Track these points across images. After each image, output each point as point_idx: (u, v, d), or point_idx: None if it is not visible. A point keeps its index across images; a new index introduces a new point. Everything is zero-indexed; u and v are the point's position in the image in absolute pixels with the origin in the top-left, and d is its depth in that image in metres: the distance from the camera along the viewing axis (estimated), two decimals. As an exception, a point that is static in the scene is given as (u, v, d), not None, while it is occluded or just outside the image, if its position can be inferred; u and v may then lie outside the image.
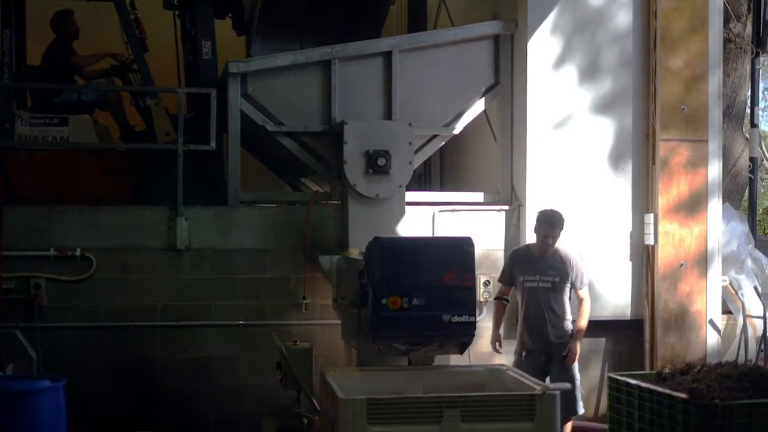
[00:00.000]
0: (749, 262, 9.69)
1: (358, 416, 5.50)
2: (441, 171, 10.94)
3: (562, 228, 7.68)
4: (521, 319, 7.76)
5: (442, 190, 10.47)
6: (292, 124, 8.38)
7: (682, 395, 5.92)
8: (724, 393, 5.77)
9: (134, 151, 8.91)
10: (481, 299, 8.47)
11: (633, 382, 6.44)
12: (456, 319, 6.40)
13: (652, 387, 6.23)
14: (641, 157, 8.83)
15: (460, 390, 5.95)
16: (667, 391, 6.07)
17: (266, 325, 8.21)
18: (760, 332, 9.30)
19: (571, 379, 7.45)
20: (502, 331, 7.93)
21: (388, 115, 8.42)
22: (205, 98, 8.39)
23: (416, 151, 8.29)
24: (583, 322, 7.75)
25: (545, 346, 7.63)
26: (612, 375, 6.74)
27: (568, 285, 7.69)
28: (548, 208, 7.79)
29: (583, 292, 7.80)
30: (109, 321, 8.03)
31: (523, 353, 7.71)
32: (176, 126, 8.36)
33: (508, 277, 7.88)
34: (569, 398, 7.28)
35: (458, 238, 6.66)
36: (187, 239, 8.12)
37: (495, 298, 8.06)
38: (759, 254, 9.89)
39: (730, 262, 9.41)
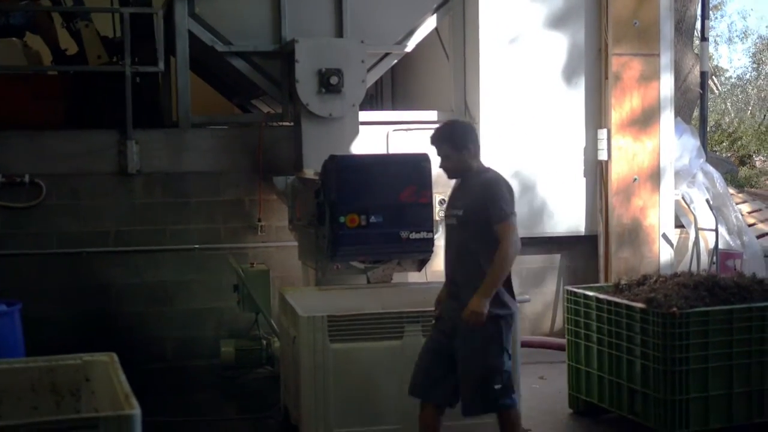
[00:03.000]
0: (701, 176, 9.77)
1: (319, 333, 5.51)
2: (393, 90, 10.87)
3: (452, 141, 5.31)
4: None
5: (394, 109, 10.40)
6: (241, 44, 8.21)
7: (640, 305, 5.96)
8: (681, 301, 5.82)
9: (66, 74, 8.71)
10: (437, 218, 8.43)
11: (591, 293, 6.48)
12: (414, 235, 6.43)
13: (609, 298, 6.28)
14: (594, 72, 8.83)
15: (419, 306, 5.95)
16: (625, 301, 6.11)
17: (222, 248, 8.17)
18: (712, 245, 9.41)
19: (482, 364, 5.10)
20: None
21: (339, 32, 8.28)
22: (141, 19, 8.20)
23: (368, 70, 8.18)
24: (495, 270, 5.06)
25: (452, 312, 5.21)
26: (569, 288, 6.76)
27: (481, 221, 5.16)
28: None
29: (502, 229, 5.11)
30: (61, 248, 7.91)
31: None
32: (108, 48, 8.19)
33: None
34: (482, 388, 5.11)
35: (415, 154, 6.64)
36: (138, 163, 7.99)
37: None
38: (710, 168, 9.98)
39: (682, 176, 9.49)
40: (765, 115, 30.22)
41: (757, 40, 34.22)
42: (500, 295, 5.16)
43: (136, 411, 3.58)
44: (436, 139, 5.38)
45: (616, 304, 6.19)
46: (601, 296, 6.38)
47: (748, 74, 33.92)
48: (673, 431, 5.79)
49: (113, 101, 8.18)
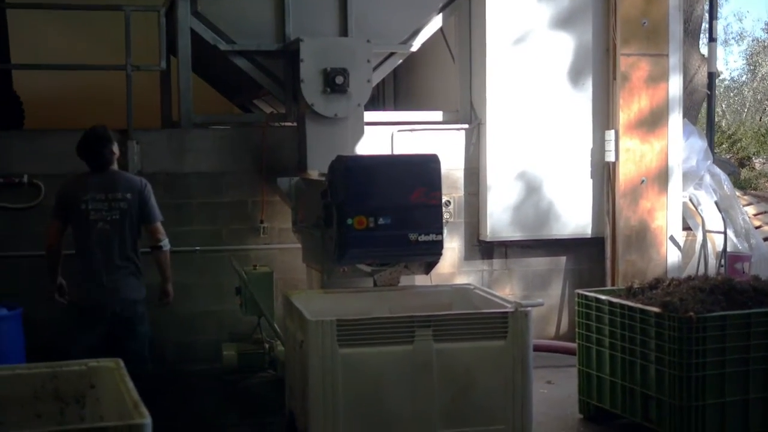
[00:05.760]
0: (708, 178, 9.66)
1: (327, 338, 5.36)
2: (395, 91, 10.74)
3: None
4: None
5: (396, 110, 10.28)
6: (244, 43, 8.06)
7: (656, 309, 5.84)
8: (697, 306, 5.70)
9: None
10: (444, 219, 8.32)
11: (603, 297, 6.35)
12: (423, 238, 6.28)
13: (623, 302, 6.15)
14: (602, 72, 8.70)
15: (427, 310, 5.84)
16: (639, 305, 6.00)
17: (224, 250, 8.04)
18: (719, 247, 9.30)
19: None
20: None
21: (343, 32, 8.14)
22: None
23: (373, 70, 8.05)
24: None
25: None
26: (580, 291, 6.64)
27: None
28: None
29: None
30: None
31: None
32: None
33: None
34: None
35: (424, 155, 6.51)
36: (139, 163, 7.85)
37: None
38: (717, 170, 9.87)
39: (689, 178, 9.37)
40: (761, 117, 30.17)
41: (752, 42, 34.20)
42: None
43: (147, 420, 3.44)
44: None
45: (630, 308, 6.07)
46: (615, 300, 6.26)
47: (744, 76, 33.88)
48: (688, 438, 5.70)
49: None
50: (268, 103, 10.08)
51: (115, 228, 6.28)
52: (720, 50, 36.45)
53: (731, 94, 32.05)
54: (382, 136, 8.40)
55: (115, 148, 6.43)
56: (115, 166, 6.43)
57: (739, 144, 21.93)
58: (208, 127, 8.32)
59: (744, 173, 19.96)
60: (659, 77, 8.62)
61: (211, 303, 8.08)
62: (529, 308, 5.66)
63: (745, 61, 34.48)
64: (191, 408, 7.17)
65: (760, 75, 32.02)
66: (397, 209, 6.23)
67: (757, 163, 22.36)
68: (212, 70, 9.51)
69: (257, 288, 7.38)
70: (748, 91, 31.99)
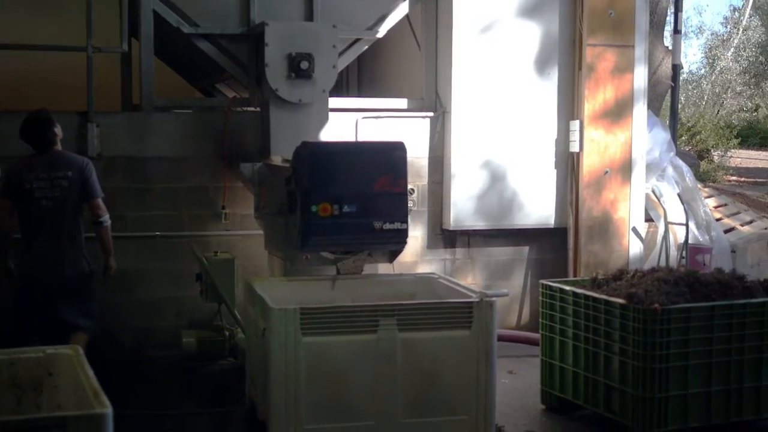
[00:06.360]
0: (670, 170, 9.68)
1: (291, 327, 5.30)
2: (359, 77, 10.66)
3: None
4: None
5: (360, 96, 10.20)
6: (208, 26, 7.93)
7: (620, 300, 5.83)
8: (662, 297, 5.69)
9: None
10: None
11: (567, 288, 6.33)
12: (388, 226, 6.24)
13: (588, 293, 6.13)
14: (567, 62, 8.67)
15: (390, 299, 5.79)
16: (604, 297, 5.98)
17: (184, 236, 7.94)
18: (681, 239, 9.33)
19: None
20: None
21: (309, 16, 8.04)
22: None
23: (339, 55, 7.97)
24: None
25: None
26: (545, 281, 6.61)
27: None
28: None
29: None
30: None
31: None
32: None
33: None
34: None
35: (390, 142, 6.46)
36: (98, 147, 7.72)
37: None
38: (679, 162, 9.90)
39: (651, 169, 9.38)
40: (719, 110, 30.40)
41: (711, 36, 34.45)
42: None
43: (108, 410, 3.35)
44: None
45: (595, 299, 6.05)
46: (579, 291, 6.23)
47: (702, 70, 34.12)
48: (651, 429, 5.68)
49: None
50: (230, 87, 9.96)
51: (57, 204, 6.59)
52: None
53: (690, 87, 32.25)
54: (347, 122, 8.32)
55: (58, 130, 6.75)
56: (58, 147, 6.76)
57: (698, 137, 22.04)
58: (170, 111, 8.20)
59: (703, 166, 20.07)
60: (625, 68, 8.62)
61: (171, 289, 7.97)
62: (494, 298, 5.63)
63: (703, 55, 34.74)
64: (149, 395, 7.07)
65: (718, 68, 32.25)
66: (362, 197, 6.18)
67: (716, 155, 22.49)
68: (174, 54, 9.37)
69: (218, 275, 7.30)
70: (707, 84, 32.21)
